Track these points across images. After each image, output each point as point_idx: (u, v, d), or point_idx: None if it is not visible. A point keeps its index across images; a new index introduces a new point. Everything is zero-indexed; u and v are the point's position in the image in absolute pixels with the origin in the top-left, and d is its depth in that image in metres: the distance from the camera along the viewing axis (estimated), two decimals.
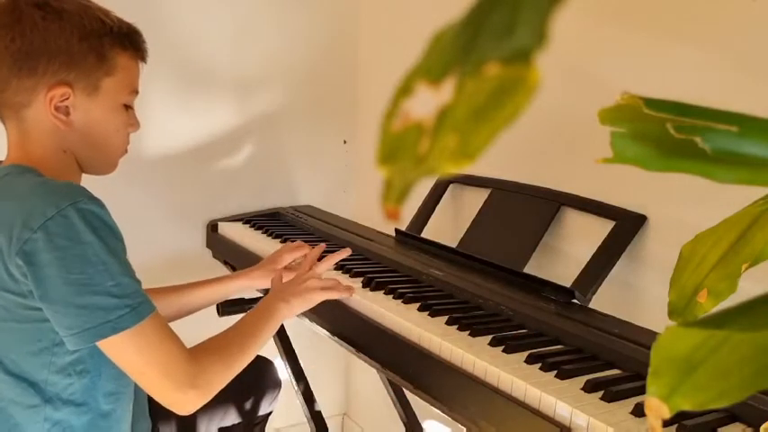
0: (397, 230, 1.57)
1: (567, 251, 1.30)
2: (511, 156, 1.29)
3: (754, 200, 0.48)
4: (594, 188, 1.24)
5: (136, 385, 0.97)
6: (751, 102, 0.96)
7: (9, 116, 0.93)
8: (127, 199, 1.70)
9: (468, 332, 1.00)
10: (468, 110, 0.25)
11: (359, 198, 2.04)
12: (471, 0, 0.27)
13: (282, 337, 1.62)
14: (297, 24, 1.87)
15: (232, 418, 1.27)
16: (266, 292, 1.50)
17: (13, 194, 0.86)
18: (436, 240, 1.46)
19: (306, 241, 1.51)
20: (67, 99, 0.91)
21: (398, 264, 1.34)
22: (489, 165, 1.41)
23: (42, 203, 0.82)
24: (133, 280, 0.86)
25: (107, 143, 0.97)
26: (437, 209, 1.56)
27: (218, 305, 1.52)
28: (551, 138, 1.33)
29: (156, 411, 1.11)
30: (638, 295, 1.18)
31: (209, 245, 1.80)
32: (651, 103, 0.38)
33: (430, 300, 1.14)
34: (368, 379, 2.00)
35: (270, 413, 1.36)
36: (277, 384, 1.36)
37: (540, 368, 0.89)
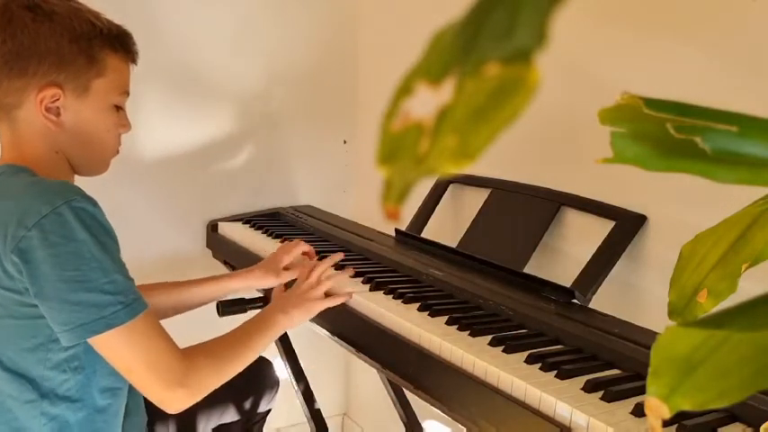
0: (397, 230, 1.57)
1: (567, 251, 1.30)
2: (511, 156, 1.29)
3: (754, 200, 0.48)
4: (594, 188, 1.24)
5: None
6: (751, 102, 0.96)
7: (1, 117, 0.94)
8: (127, 199, 1.70)
9: (468, 332, 1.00)
10: (468, 110, 0.25)
11: (359, 198, 2.04)
12: (471, 0, 0.27)
13: (282, 337, 1.62)
14: (297, 24, 1.87)
15: (230, 416, 1.27)
16: (265, 291, 1.50)
17: (8, 194, 0.88)
18: (436, 240, 1.46)
19: (306, 241, 1.52)
20: (58, 100, 0.92)
21: (398, 264, 1.34)
22: (489, 165, 1.41)
23: (37, 202, 0.83)
24: (126, 278, 0.87)
25: (98, 143, 0.98)
26: (437, 209, 1.56)
27: (217, 305, 1.52)
28: (551, 138, 1.32)
29: (155, 409, 1.12)
30: (638, 295, 1.18)
31: (209, 245, 1.80)
32: (651, 103, 0.38)
33: (430, 300, 1.14)
34: (368, 379, 2.00)
35: (268, 411, 1.36)
36: (275, 383, 1.36)
37: (540, 368, 0.89)
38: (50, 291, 0.83)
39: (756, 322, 0.33)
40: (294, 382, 1.61)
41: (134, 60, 1.02)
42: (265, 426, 1.38)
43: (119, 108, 1.00)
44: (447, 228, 1.58)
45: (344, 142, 2.01)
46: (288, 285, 1.23)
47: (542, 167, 1.36)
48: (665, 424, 0.36)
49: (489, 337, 0.98)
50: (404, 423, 1.75)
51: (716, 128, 0.37)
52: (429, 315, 1.08)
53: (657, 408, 0.35)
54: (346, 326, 1.18)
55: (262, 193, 1.89)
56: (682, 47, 1.10)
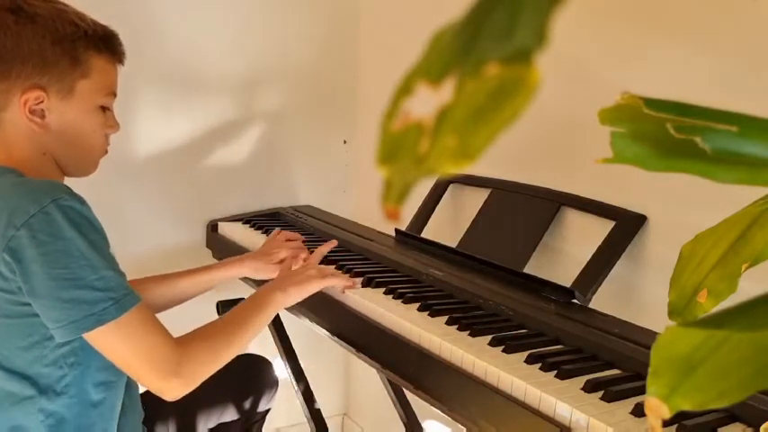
0: (397, 230, 1.57)
1: (567, 251, 1.30)
2: (511, 156, 1.29)
3: (754, 200, 0.48)
4: (594, 188, 1.24)
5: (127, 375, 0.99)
6: (751, 102, 0.96)
7: None
8: (127, 200, 1.70)
9: (468, 332, 1.00)
10: (468, 110, 0.25)
11: (359, 198, 2.04)
12: (471, 0, 0.27)
13: (282, 337, 1.62)
14: (297, 24, 1.87)
15: (230, 415, 1.28)
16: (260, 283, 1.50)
17: None
18: (436, 240, 1.46)
19: (306, 241, 1.51)
20: (42, 102, 0.93)
21: (398, 264, 1.34)
22: (489, 165, 1.41)
23: (24, 201, 0.84)
24: (116, 273, 0.88)
25: (84, 144, 0.99)
26: (437, 209, 1.56)
27: (218, 304, 1.53)
28: (551, 138, 1.32)
29: (154, 407, 1.12)
30: (638, 295, 1.18)
31: (209, 245, 1.80)
32: (651, 103, 0.38)
33: (430, 300, 1.14)
34: (368, 379, 2.00)
35: (268, 410, 1.36)
36: (274, 383, 1.36)
37: (540, 368, 0.89)
38: (41, 289, 0.84)
39: (756, 322, 0.33)
40: (294, 382, 1.61)
41: (120, 61, 1.02)
42: (265, 425, 1.38)
43: (105, 109, 1.00)
44: (447, 228, 1.58)
45: (344, 142, 2.01)
46: None
47: (542, 167, 1.36)
48: (665, 424, 0.36)
49: (489, 337, 0.98)
50: (404, 423, 1.75)
51: (716, 128, 0.37)
52: (429, 315, 1.08)
53: (657, 408, 0.35)
54: (346, 326, 1.18)
55: (262, 193, 1.89)
56: (682, 47, 1.10)
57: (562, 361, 0.90)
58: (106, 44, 0.98)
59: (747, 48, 1.01)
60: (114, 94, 1.02)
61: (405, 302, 1.13)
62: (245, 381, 1.30)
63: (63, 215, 0.84)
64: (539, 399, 0.81)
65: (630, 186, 1.17)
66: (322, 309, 1.21)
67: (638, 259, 1.17)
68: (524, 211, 1.33)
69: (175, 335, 0.94)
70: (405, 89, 0.27)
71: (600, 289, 1.14)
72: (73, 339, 0.88)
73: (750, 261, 0.47)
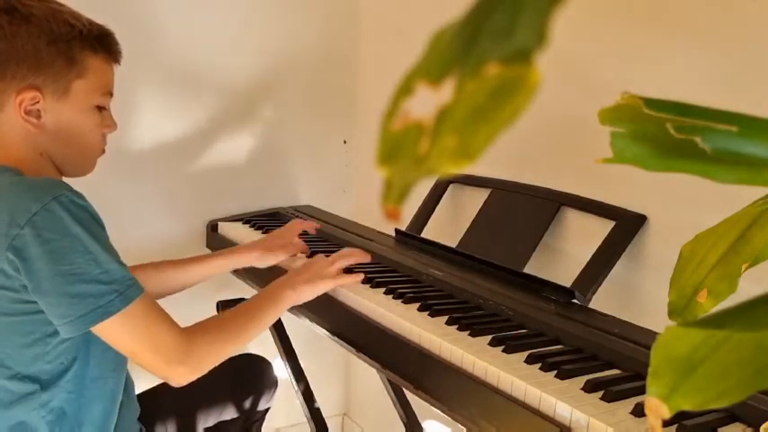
0: (397, 230, 1.57)
1: (567, 251, 1.30)
2: (511, 156, 1.29)
3: (754, 200, 0.48)
4: (594, 188, 1.24)
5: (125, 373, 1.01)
6: (751, 102, 0.96)
7: None
8: (127, 199, 1.70)
9: (468, 332, 1.00)
10: (468, 110, 0.25)
11: (359, 198, 2.04)
12: (471, 0, 0.27)
13: (282, 337, 1.62)
14: (297, 24, 1.87)
15: (229, 413, 1.28)
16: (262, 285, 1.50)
17: None
18: (436, 240, 1.46)
19: (306, 241, 1.51)
20: (38, 102, 0.93)
21: (398, 264, 1.34)
22: (489, 165, 1.41)
23: (25, 200, 0.85)
24: (119, 265, 0.89)
25: (81, 144, 0.99)
26: (437, 209, 1.56)
27: (218, 304, 1.53)
28: (551, 138, 1.32)
29: (154, 406, 1.13)
30: (638, 295, 1.18)
31: (209, 245, 1.80)
32: (651, 103, 0.38)
33: (430, 300, 1.14)
34: (368, 379, 2.00)
35: (267, 410, 1.36)
36: (274, 382, 1.36)
37: (540, 368, 0.89)
38: (48, 286, 0.84)
39: (756, 322, 0.33)
40: (294, 382, 1.61)
41: (117, 60, 1.02)
42: (265, 425, 1.38)
43: (102, 108, 1.00)
44: (447, 228, 1.58)
45: (344, 142, 2.01)
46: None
47: (542, 167, 1.36)
48: (665, 424, 0.36)
49: (489, 337, 0.98)
50: (404, 423, 1.75)
51: (716, 128, 0.37)
52: (429, 315, 1.08)
53: (657, 408, 0.35)
54: (346, 326, 1.18)
55: (262, 193, 1.89)
56: (682, 47, 1.10)
57: (562, 361, 0.90)
58: (102, 44, 0.98)
59: (747, 48, 1.01)
60: (111, 94, 1.02)
61: (405, 302, 1.13)
62: (244, 380, 1.31)
63: (66, 211, 0.84)
64: (539, 399, 0.81)
65: (630, 186, 1.17)
66: (322, 309, 1.21)
67: (638, 259, 1.17)
68: (524, 211, 1.33)
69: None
70: (405, 89, 0.27)
71: (600, 289, 1.14)
72: (75, 335, 0.89)
73: (750, 261, 0.47)
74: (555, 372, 0.87)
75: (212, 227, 1.78)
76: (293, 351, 1.63)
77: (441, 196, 1.57)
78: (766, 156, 0.36)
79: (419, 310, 1.10)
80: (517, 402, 0.83)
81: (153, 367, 0.92)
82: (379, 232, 1.62)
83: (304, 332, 1.56)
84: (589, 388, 0.83)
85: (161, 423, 1.19)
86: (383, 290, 1.20)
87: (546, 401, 0.80)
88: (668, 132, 0.37)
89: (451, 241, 1.44)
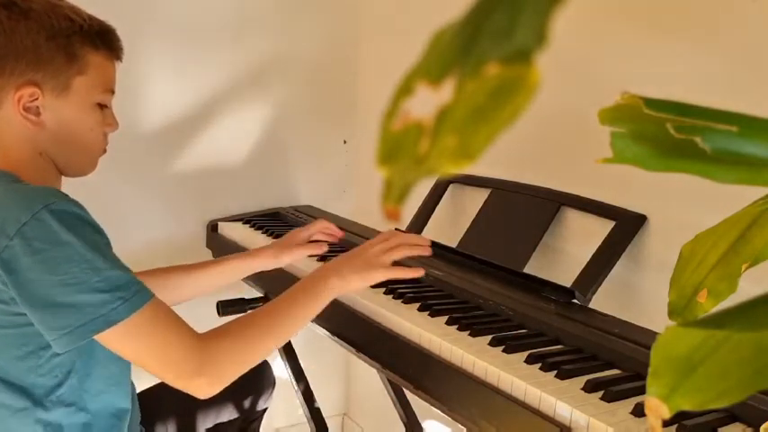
0: (397, 230, 1.57)
1: (567, 251, 1.30)
2: (511, 156, 1.29)
3: (754, 200, 0.48)
4: (594, 188, 1.24)
5: (129, 386, 0.97)
6: (751, 102, 0.96)
7: None
8: (127, 200, 1.70)
9: (468, 332, 1.00)
10: (468, 110, 0.25)
11: (359, 198, 2.04)
12: (471, 0, 0.27)
13: None
14: (297, 24, 1.87)
15: (228, 414, 1.27)
16: (265, 291, 1.50)
17: None
18: (436, 240, 1.45)
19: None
20: (37, 99, 0.90)
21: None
22: (489, 165, 1.41)
23: (16, 209, 0.81)
24: (122, 271, 0.83)
25: (81, 143, 0.96)
26: (437, 209, 1.56)
27: (218, 304, 1.53)
28: (551, 138, 1.32)
29: (153, 407, 1.12)
30: (638, 295, 1.18)
31: (209, 245, 1.80)
32: (651, 103, 0.38)
33: (430, 300, 1.14)
34: (368, 379, 2.00)
35: (265, 410, 1.36)
36: (272, 382, 1.36)
37: (540, 368, 0.89)
38: (41, 298, 0.80)
39: (756, 322, 0.33)
40: (294, 382, 1.61)
41: (118, 57, 0.99)
42: (265, 426, 1.38)
43: (103, 106, 0.98)
44: (447, 228, 1.58)
45: (344, 142, 2.01)
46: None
47: (542, 167, 1.36)
48: (665, 424, 0.36)
49: (489, 337, 0.98)
50: (404, 423, 1.75)
51: (716, 128, 0.37)
52: (429, 315, 1.08)
53: (657, 408, 0.35)
54: (346, 326, 1.18)
55: (262, 193, 1.89)
56: (682, 47, 1.10)
57: (562, 361, 0.90)
58: (103, 40, 0.95)
59: (747, 47, 1.01)
60: (112, 92, 0.99)
61: (405, 302, 1.13)
62: (242, 380, 1.30)
63: (57, 220, 0.80)
64: (539, 399, 0.81)
65: (630, 186, 1.17)
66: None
67: (638, 259, 1.17)
68: (524, 211, 1.33)
69: None
70: (405, 89, 0.27)
71: (600, 289, 1.14)
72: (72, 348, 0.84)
73: (750, 261, 0.47)
74: (555, 372, 0.87)
75: (212, 227, 1.78)
76: (293, 351, 1.63)
77: (441, 196, 1.57)
78: (766, 156, 0.36)
79: (419, 310, 1.10)
80: (517, 402, 0.83)
81: (167, 380, 0.85)
82: (379, 232, 1.62)
83: (304, 332, 1.55)
84: (589, 388, 0.83)
85: (161, 423, 1.18)
86: (383, 290, 1.20)
87: (546, 401, 0.80)
88: (668, 132, 0.37)
89: (451, 241, 1.44)
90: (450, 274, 1.26)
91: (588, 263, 1.16)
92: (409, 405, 1.74)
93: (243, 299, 1.47)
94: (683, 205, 1.08)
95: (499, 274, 1.26)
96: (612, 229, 1.17)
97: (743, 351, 0.34)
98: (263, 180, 1.89)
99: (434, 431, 1.76)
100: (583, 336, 0.98)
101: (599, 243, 1.17)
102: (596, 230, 1.20)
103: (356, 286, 0.99)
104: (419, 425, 1.75)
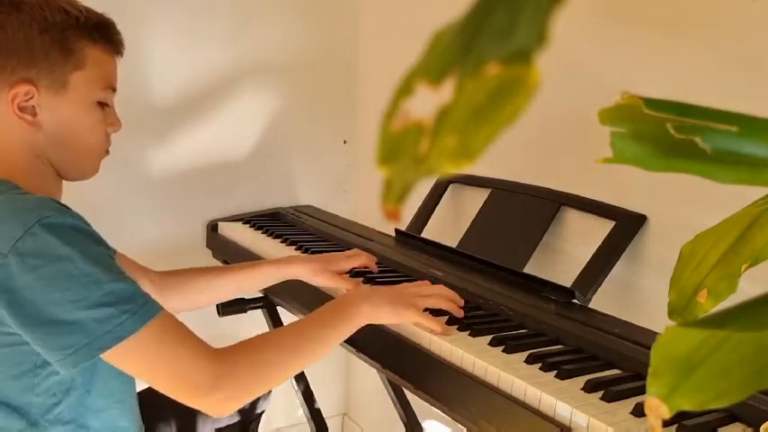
0: (396, 230, 1.57)
1: (567, 251, 1.30)
2: (511, 156, 1.29)
3: (754, 200, 0.48)
4: (594, 188, 1.24)
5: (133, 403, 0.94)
6: (751, 102, 0.96)
7: None
8: (126, 200, 1.70)
9: (468, 332, 1.00)
10: (468, 110, 0.25)
11: (359, 198, 2.04)
12: (471, 0, 0.27)
13: None
14: (297, 24, 1.87)
15: (227, 419, 1.26)
16: (265, 292, 1.49)
17: None
18: (436, 240, 1.46)
19: (306, 241, 1.51)
20: (32, 98, 0.85)
21: (398, 264, 1.34)
22: (489, 165, 1.41)
23: (8, 225, 0.77)
24: (126, 282, 0.79)
25: (81, 144, 0.91)
26: (437, 209, 1.56)
27: (217, 305, 1.53)
28: (551, 138, 1.32)
29: (154, 409, 1.11)
30: (638, 295, 1.18)
31: (209, 245, 1.80)
32: (651, 103, 0.38)
33: None
34: (368, 379, 2.00)
35: (263, 411, 1.35)
36: None
37: (540, 368, 0.89)
38: (41, 317, 0.75)
39: (756, 322, 0.33)
40: (294, 382, 1.61)
41: (119, 52, 0.94)
42: (265, 426, 1.38)
43: (104, 105, 0.92)
44: (447, 228, 1.58)
45: (344, 142, 2.01)
46: None
47: (542, 167, 1.36)
48: (665, 424, 0.36)
49: (489, 337, 0.98)
50: (404, 423, 1.75)
51: (716, 128, 0.37)
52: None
53: (657, 408, 0.35)
54: None
55: (262, 193, 1.89)
56: (682, 47, 1.10)
57: (562, 361, 0.90)
58: (101, 33, 0.90)
59: (747, 47, 1.01)
60: (113, 89, 0.93)
61: None
62: None
63: (52, 233, 0.75)
64: (539, 399, 0.81)
65: (630, 186, 1.17)
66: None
67: (638, 259, 1.17)
68: (524, 211, 1.33)
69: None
70: (405, 89, 0.27)
71: (600, 289, 1.14)
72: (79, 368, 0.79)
73: (750, 261, 0.47)
74: (555, 372, 0.87)
75: (212, 227, 1.78)
76: None
77: (441, 196, 1.57)
78: (766, 156, 0.36)
79: None
80: (517, 402, 0.83)
81: (180, 397, 0.80)
82: (379, 232, 1.62)
83: None
84: (589, 388, 0.83)
85: (161, 423, 1.18)
86: None
87: (546, 401, 0.80)
88: (668, 132, 0.37)
89: (451, 241, 1.44)
90: (450, 274, 1.26)
91: (588, 263, 1.16)
92: (409, 405, 1.74)
93: (242, 299, 1.47)
94: (683, 205, 1.08)
95: (499, 274, 1.26)
96: (612, 229, 1.17)
97: (743, 351, 0.34)
98: (263, 180, 1.89)
99: (434, 431, 1.76)
100: (583, 336, 0.98)
101: (599, 243, 1.17)
102: (596, 230, 1.20)
103: (386, 317, 0.96)
104: (419, 425, 1.75)
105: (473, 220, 1.43)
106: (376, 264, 1.24)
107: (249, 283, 1.20)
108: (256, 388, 0.84)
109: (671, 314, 0.51)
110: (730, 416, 0.77)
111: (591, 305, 1.13)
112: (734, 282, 0.47)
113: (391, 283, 1.22)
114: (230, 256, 1.68)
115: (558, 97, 1.18)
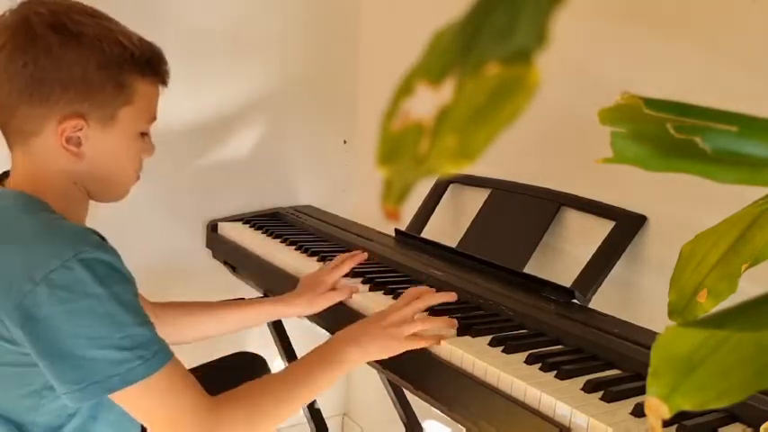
0: (396, 230, 1.57)
1: (567, 251, 1.30)
2: (511, 156, 1.29)
3: (754, 200, 0.48)
4: (594, 188, 1.24)
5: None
6: (751, 102, 0.96)
7: (16, 142, 0.87)
8: (126, 200, 1.69)
9: (468, 332, 1.00)
10: (468, 110, 0.25)
11: (359, 198, 2.04)
12: (471, 0, 0.27)
13: (282, 337, 1.62)
14: (297, 24, 1.87)
15: None
16: (265, 293, 1.49)
17: (15, 236, 0.81)
18: (436, 240, 1.46)
19: (306, 241, 1.51)
20: (80, 130, 0.85)
21: (398, 264, 1.34)
22: (489, 165, 1.41)
23: (45, 253, 0.77)
24: (146, 328, 0.80)
25: (118, 174, 0.93)
26: (437, 209, 1.56)
27: None
28: (551, 138, 1.32)
29: None
30: (638, 295, 1.18)
31: (209, 245, 1.80)
32: (651, 103, 0.38)
33: None
34: (368, 379, 2.00)
35: None
36: None
37: (540, 368, 0.89)
38: (59, 348, 0.76)
39: (756, 322, 0.33)
40: None
41: (164, 82, 0.96)
42: None
43: (144, 134, 0.95)
44: (447, 228, 1.58)
45: (344, 142, 2.01)
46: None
47: (542, 167, 1.36)
48: (665, 424, 0.36)
49: (489, 338, 0.98)
50: (404, 423, 1.75)
51: (716, 128, 0.37)
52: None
53: (657, 408, 0.35)
54: (346, 326, 1.17)
55: (262, 193, 1.89)
56: (682, 47, 1.10)
57: (562, 361, 0.90)
58: (151, 66, 0.91)
59: (747, 48, 1.01)
60: (155, 118, 0.95)
61: None
62: (240, 380, 1.29)
63: (87, 269, 0.76)
64: (539, 399, 0.81)
65: (630, 186, 1.17)
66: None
67: (638, 259, 1.17)
68: (524, 211, 1.33)
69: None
70: (405, 89, 0.27)
71: (600, 289, 1.14)
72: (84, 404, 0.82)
73: (750, 261, 0.47)
74: (555, 372, 0.87)
75: (212, 227, 1.78)
76: (293, 351, 1.63)
77: (441, 196, 1.57)
78: (766, 156, 0.36)
79: None
80: (517, 403, 0.83)
81: None
82: (379, 232, 1.62)
83: (304, 332, 1.56)
84: (589, 388, 0.83)
85: None
86: (383, 290, 1.20)
87: (546, 402, 0.80)
88: (668, 132, 0.37)
89: (451, 241, 1.44)
90: (450, 274, 1.26)
91: (588, 263, 1.16)
92: (409, 405, 1.74)
93: (242, 299, 1.47)
94: (683, 205, 1.08)
95: (499, 274, 1.26)
96: (612, 229, 1.17)
97: (743, 351, 0.34)
98: (263, 180, 1.89)
99: (434, 431, 1.76)
100: (583, 336, 0.98)
101: (599, 243, 1.17)
102: (596, 230, 1.20)
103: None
104: (419, 425, 1.75)
105: (473, 220, 1.43)
106: (372, 261, 1.24)
107: (245, 320, 1.23)
108: None
109: (671, 314, 0.51)
110: (730, 416, 0.77)
111: (591, 305, 1.13)
112: (734, 282, 0.47)
113: (391, 283, 1.22)
114: (230, 256, 1.68)
115: (558, 97, 1.18)
